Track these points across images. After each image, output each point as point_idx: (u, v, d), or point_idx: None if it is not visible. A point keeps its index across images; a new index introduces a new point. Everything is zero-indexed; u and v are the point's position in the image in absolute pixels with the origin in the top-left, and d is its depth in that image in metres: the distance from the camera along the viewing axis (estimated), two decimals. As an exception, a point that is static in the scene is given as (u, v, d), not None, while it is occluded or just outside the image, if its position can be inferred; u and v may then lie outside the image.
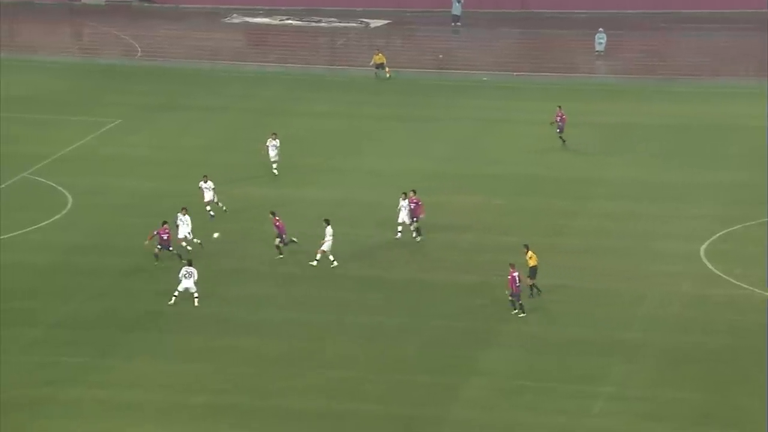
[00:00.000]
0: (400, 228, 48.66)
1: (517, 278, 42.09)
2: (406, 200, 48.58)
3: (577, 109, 66.90)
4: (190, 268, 42.71)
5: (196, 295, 42.57)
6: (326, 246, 46.12)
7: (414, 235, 48.63)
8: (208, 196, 50.32)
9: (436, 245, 48.72)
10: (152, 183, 54.93)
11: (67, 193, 53.79)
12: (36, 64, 78.23)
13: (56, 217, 50.73)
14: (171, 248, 45.57)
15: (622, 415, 36.70)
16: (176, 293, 42.50)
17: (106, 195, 53.39)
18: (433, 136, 63.85)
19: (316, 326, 41.96)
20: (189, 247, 46.41)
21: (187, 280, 42.48)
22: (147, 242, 45.51)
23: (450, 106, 69.54)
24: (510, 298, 42.34)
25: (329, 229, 46.15)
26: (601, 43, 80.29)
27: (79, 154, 60.01)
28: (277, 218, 46.75)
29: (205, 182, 50.53)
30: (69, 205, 52.49)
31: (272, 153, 55.83)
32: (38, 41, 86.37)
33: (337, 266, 46.06)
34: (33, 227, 49.56)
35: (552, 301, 43.97)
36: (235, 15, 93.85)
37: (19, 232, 49.18)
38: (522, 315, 42.29)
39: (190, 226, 46.55)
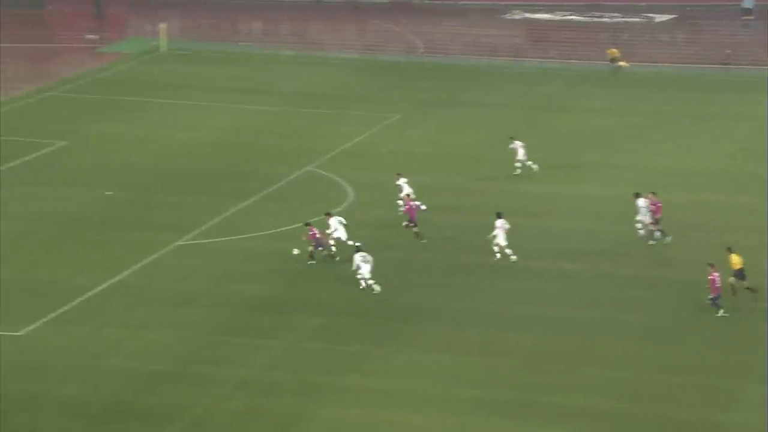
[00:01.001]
0: (639, 226, 47.69)
1: (717, 279, 41.02)
2: (641, 199, 47.63)
3: None
4: (364, 253, 43.41)
5: (372, 281, 43.25)
6: (500, 240, 45.62)
7: (643, 234, 47.40)
8: (407, 189, 50.35)
9: (709, 244, 47.38)
10: (429, 178, 55.56)
11: (348, 187, 55.21)
12: (322, 60, 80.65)
13: (337, 209, 52.09)
14: (322, 248, 45.90)
15: None
16: (361, 278, 43.35)
17: (384, 190, 54.34)
18: (715, 133, 62.13)
19: (585, 324, 41.54)
20: (334, 248, 46.26)
21: (366, 265, 43.29)
22: (305, 239, 46.13)
23: (736, 103, 67.49)
24: (710, 298, 41.41)
25: (498, 222, 45.67)
26: None
27: (360, 148, 61.50)
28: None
29: (398, 179, 50.76)
30: (350, 199, 53.86)
31: (521, 154, 55.41)
32: (325, 38, 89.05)
33: (603, 263, 45.43)
34: (315, 219, 51.10)
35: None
36: (515, 11, 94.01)
37: (303, 223, 50.81)
38: (726, 315, 41.18)
39: (342, 226, 46.57)
